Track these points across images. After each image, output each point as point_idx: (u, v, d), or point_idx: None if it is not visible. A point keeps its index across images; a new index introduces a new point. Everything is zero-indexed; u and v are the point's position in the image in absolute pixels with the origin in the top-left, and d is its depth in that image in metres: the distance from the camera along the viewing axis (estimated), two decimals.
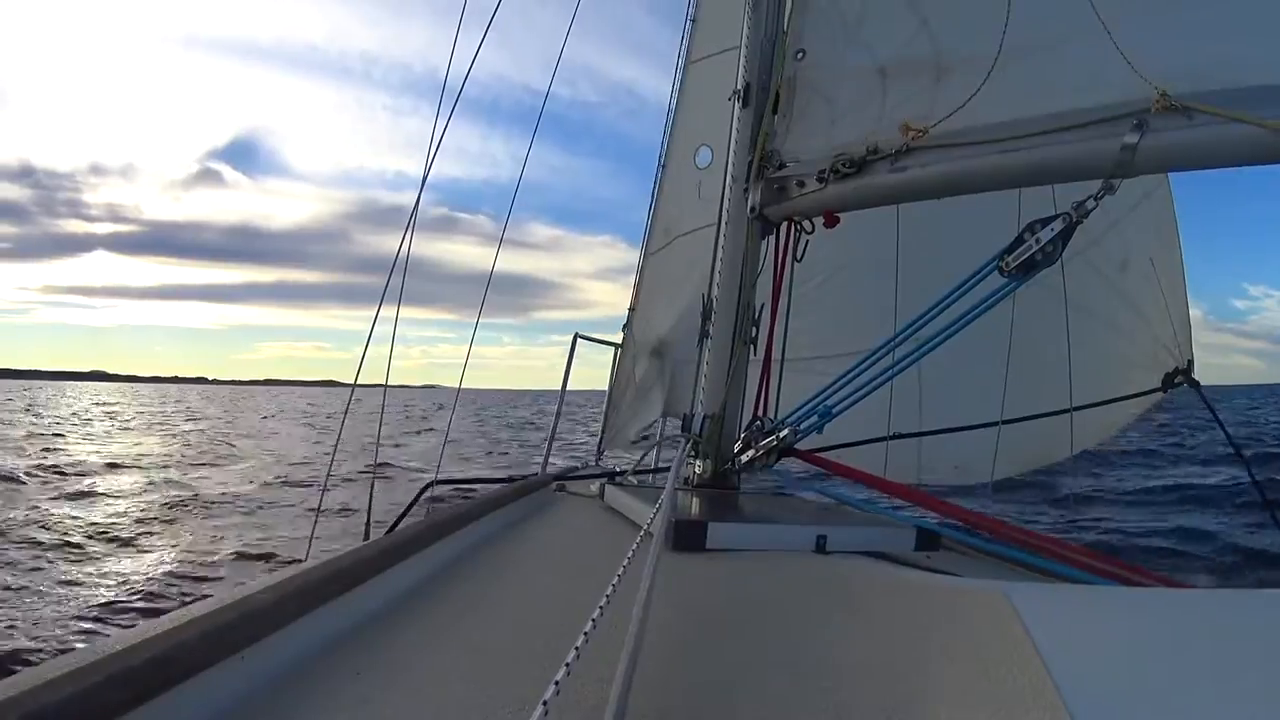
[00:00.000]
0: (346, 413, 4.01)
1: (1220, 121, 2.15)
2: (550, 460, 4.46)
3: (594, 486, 3.30)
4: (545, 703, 0.93)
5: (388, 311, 3.74)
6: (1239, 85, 2.18)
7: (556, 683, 0.99)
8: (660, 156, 4.51)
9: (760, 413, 3.11)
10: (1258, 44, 2.26)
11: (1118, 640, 1.24)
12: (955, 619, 1.49)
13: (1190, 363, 4.77)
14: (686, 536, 2.21)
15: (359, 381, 3.88)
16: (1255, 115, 2.09)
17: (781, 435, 2.85)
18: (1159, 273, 4.74)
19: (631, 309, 4.64)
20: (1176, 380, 4.70)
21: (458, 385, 5.12)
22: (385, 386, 3.99)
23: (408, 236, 3.78)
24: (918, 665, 1.35)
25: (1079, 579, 2.28)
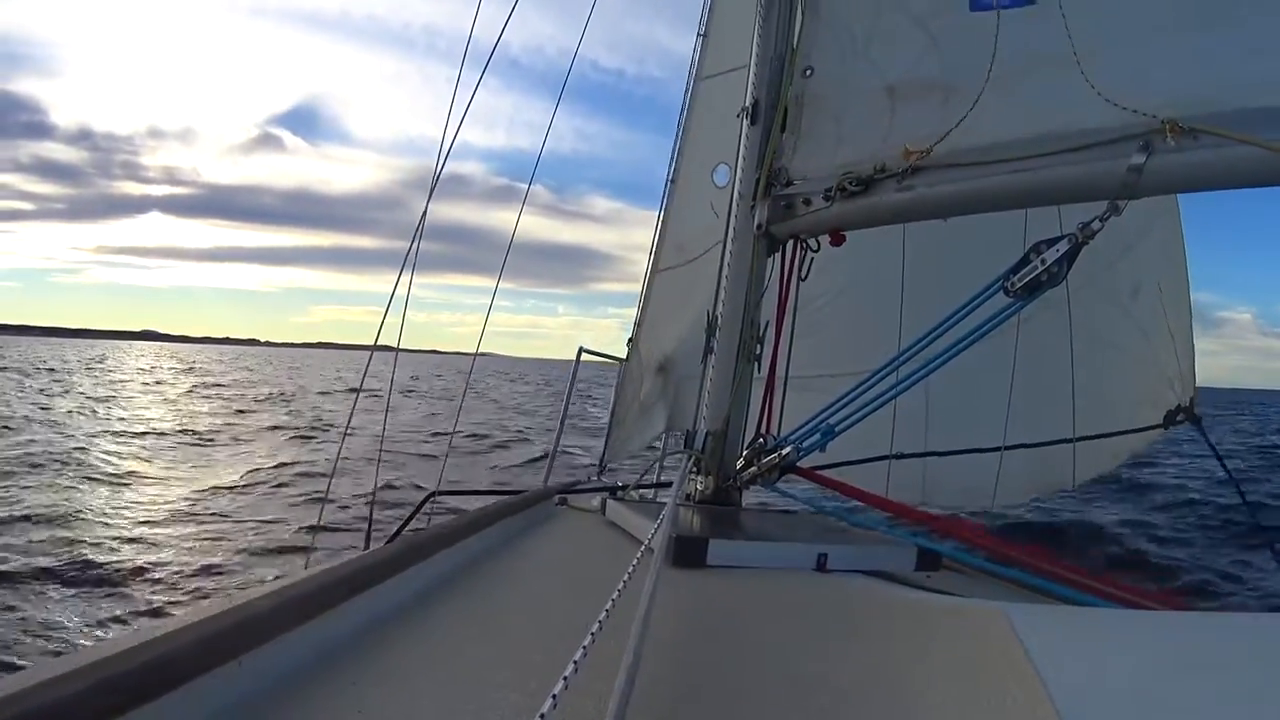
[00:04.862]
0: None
1: (1226, 143, 2.15)
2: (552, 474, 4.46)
3: (595, 501, 3.29)
4: (542, 715, 0.94)
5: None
6: (1245, 107, 2.18)
7: (554, 696, 0.99)
8: (669, 173, 4.50)
9: (763, 430, 3.11)
10: (1263, 67, 2.26)
11: (1118, 662, 1.24)
12: (954, 639, 1.49)
13: (1193, 400, 4.75)
14: (687, 553, 2.22)
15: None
16: (1260, 137, 2.09)
17: (784, 453, 2.85)
18: (1165, 301, 4.72)
19: (637, 324, 4.64)
20: (1179, 419, 4.69)
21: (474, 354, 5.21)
22: (396, 350, 4.07)
23: (427, 202, 3.84)
24: (916, 685, 1.35)
25: (1080, 600, 2.28)
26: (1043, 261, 2.37)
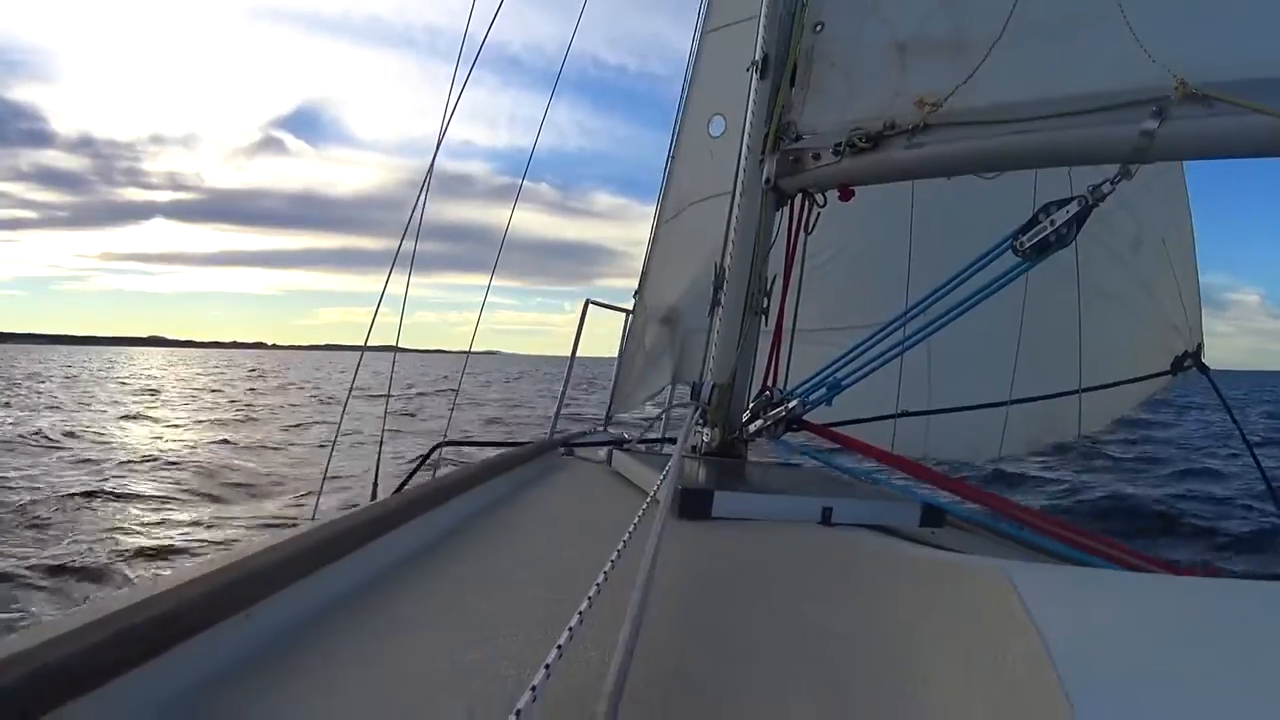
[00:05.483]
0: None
1: (1240, 111, 2.13)
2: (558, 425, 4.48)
3: (601, 453, 3.30)
4: (548, 665, 0.95)
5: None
6: (1259, 76, 2.16)
7: (560, 646, 1.00)
8: (675, 124, 4.48)
9: (769, 383, 3.12)
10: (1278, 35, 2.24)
11: (1118, 623, 1.25)
12: (955, 595, 1.50)
13: (1200, 346, 4.74)
14: (693, 504, 2.23)
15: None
16: (1275, 107, 2.08)
17: (790, 406, 2.86)
18: (1170, 254, 4.70)
19: (643, 276, 4.64)
20: (1186, 364, 4.68)
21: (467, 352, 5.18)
22: (395, 349, 4.08)
23: (421, 201, 3.82)
24: (916, 639, 1.36)
25: (1081, 560, 2.29)
26: (1052, 223, 2.36)
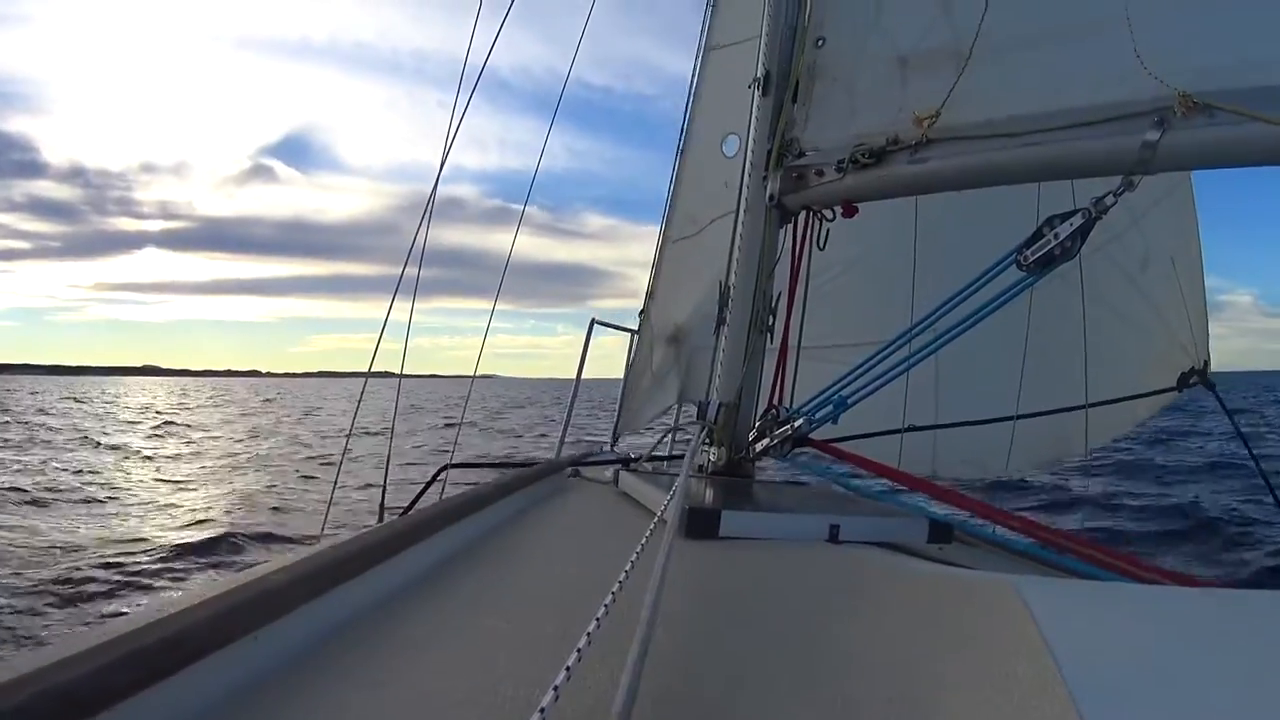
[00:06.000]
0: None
1: (1242, 121, 2.13)
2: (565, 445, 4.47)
3: (608, 472, 3.29)
4: (556, 687, 0.94)
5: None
6: (1262, 85, 2.16)
7: (568, 667, 0.99)
8: (679, 143, 4.49)
9: (775, 401, 3.11)
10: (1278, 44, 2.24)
11: (1127, 636, 1.24)
12: (964, 611, 1.49)
13: (1206, 363, 4.74)
14: (700, 524, 2.21)
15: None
16: (1276, 115, 2.08)
17: (796, 424, 2.84)
18: (1178, 272, 4.70)
19: (649, 295, 4.64)
20: (1192, 380, 4.68)
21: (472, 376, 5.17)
22: (400, 376, 4.10)
23: (424, 229, 3.84)
24: (926, 656, 1.35)
25: (1090, 574, 2.28)
26: (1056, 236, 2.36)
